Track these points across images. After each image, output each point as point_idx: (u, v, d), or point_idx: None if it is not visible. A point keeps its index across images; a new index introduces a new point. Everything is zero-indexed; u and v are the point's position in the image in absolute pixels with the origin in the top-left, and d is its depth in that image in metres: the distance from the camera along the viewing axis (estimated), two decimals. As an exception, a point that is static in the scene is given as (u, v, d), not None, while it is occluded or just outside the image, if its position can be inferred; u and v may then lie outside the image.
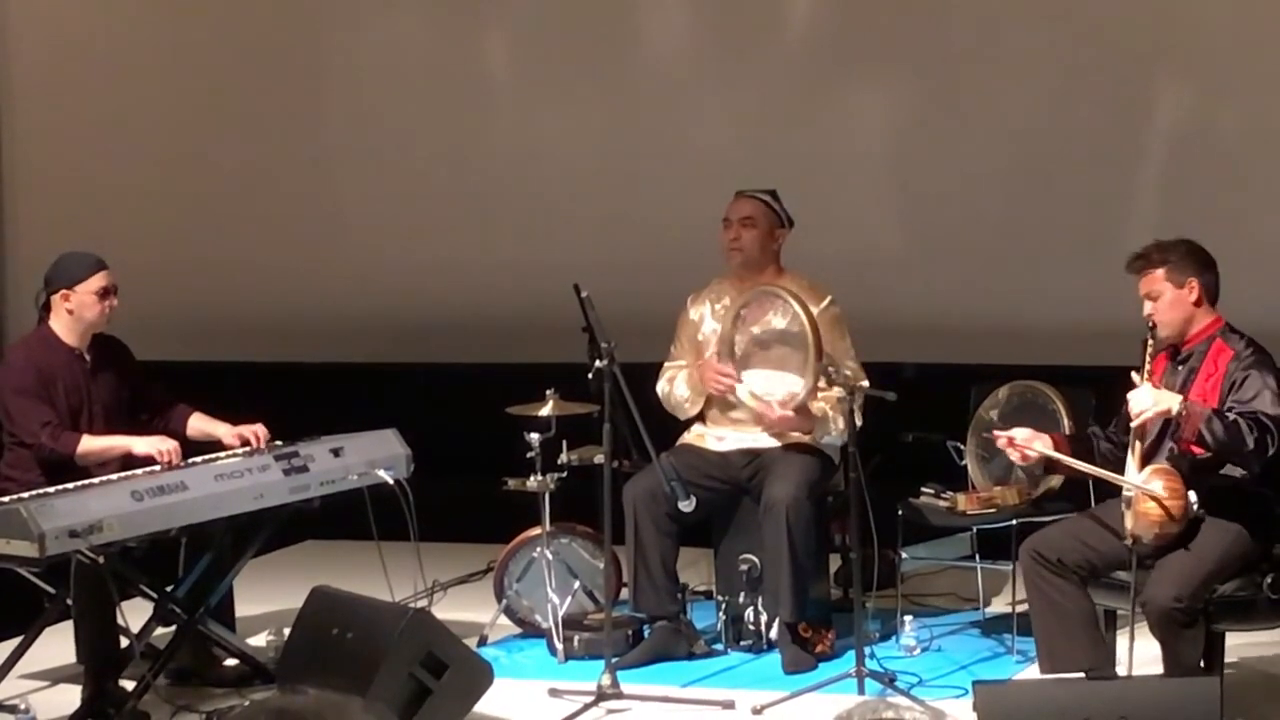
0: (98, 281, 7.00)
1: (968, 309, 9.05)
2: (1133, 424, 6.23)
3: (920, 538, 7.90)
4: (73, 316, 7.02)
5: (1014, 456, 6.55)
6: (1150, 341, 6.32)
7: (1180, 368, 6.37)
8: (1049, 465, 6.71)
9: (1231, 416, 6.12)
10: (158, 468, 6.78)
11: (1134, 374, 6.29)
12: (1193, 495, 6.14)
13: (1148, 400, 6.18)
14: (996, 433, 6.59)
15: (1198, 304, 6.37)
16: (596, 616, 7.36)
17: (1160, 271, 6.36)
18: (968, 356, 8.70)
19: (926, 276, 9.14)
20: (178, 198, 10.15)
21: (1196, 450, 6.22)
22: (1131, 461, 6.24)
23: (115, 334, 7.21)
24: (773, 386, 7.35)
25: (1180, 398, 6.19)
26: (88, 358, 7.08)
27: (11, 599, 6.95)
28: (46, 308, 7.06)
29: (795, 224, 7.52)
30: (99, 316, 7.03)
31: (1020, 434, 6.47)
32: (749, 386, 7.36)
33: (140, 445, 6.88)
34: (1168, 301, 6.36)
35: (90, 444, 6.89)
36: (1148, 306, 6.39)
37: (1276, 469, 6.24)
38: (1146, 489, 6.13)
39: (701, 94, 9.53)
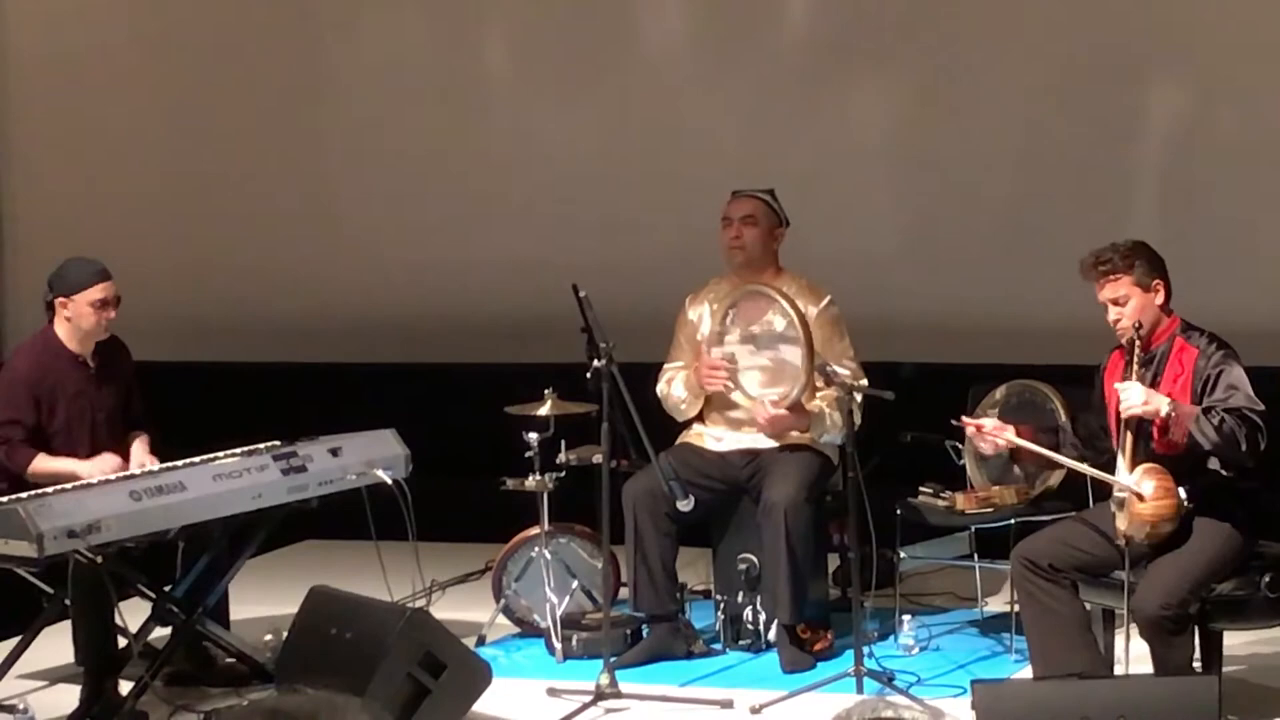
0: (96, 293, 6.97)
1: (966, 308, 9.04)
2: (1123, 416, 6.15)
3: (918, 537, 7.90)
4: (70, 324, 7.01)
5: (984, 447, 6.51)
6: (1137, 340, 6.20)
7: (1144, 370, 6.22)
8: (1014, 454, 6.64)
9: (1219, 416, 6.05)
10: (155, 468, 6.78)
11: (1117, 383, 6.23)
12: (1183, 492, 6.08)
13: (1138, 398, 6.09)
14: (965, 419, 6.53)
15: (1162, 306, 6.28)
16: (595, 616, 7.36)
17: (1128, 277, 6.23)
18: (966, 356, 8.68)
19: (925, 276, 9.13)
20: (176, 200, 10.15)
21: (1170, 451, 6.13)
22: (1123, 462, 6.18)
23: (117, 334, 7.19)
24: (767, 386, 7.34)
25: (1170, 400, 6.09)
26: (91, 364, 7.07)
27: (10, 599, 6.95)
28: (51, 309, 7.06)
29: (793, 224, 7.51)
30: (94, 327, 7.01)
31: (987, 423, 6.46)
32: (743, 386, 7.35)
33: (85, 469, 6.85)
34: (1136, 307, 6.22)
35: (41, 464, 6.87)
36: (1113, 313, 6.25)
37: (1264, 462, 6.19)
38: (1138, 489, 6.10)
39: (699, 94, 9.52)
